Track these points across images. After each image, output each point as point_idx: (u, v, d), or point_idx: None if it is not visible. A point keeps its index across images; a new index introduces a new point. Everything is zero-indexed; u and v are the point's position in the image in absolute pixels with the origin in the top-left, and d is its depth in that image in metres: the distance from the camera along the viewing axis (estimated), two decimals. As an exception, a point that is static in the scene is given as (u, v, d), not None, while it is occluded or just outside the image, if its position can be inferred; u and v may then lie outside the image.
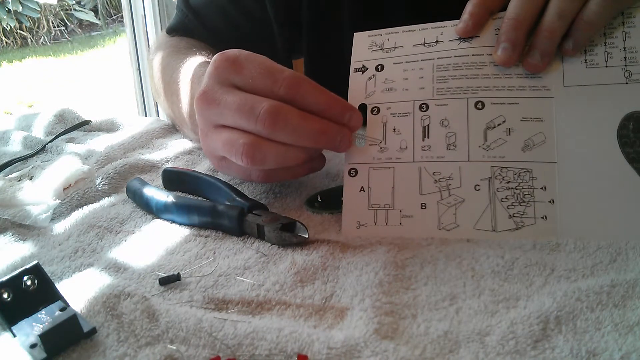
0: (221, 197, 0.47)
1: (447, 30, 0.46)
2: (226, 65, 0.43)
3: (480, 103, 0.43)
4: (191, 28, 0.70)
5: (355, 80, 0.46)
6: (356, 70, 0.46)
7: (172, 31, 0.73)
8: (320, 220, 0.45)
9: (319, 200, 0.47)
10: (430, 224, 0.41)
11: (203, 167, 0.56)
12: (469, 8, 0.45)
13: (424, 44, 0.46)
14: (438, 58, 0.45)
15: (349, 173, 0.44)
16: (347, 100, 0.46)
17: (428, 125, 0.43)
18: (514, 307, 0.33)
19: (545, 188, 0.40)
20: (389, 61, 0.46)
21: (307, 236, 0.41)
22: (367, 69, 0.46)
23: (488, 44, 0.44)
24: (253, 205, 0.44)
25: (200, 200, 0.48)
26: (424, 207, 0.42)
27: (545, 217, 0.40)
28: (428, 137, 0.43)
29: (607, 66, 0.41)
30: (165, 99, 0.66)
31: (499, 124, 0.42)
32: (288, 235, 0.41)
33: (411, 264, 0.38)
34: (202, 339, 0.32)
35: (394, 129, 0.44)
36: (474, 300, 0.34)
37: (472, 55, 0.44)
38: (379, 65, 0.46)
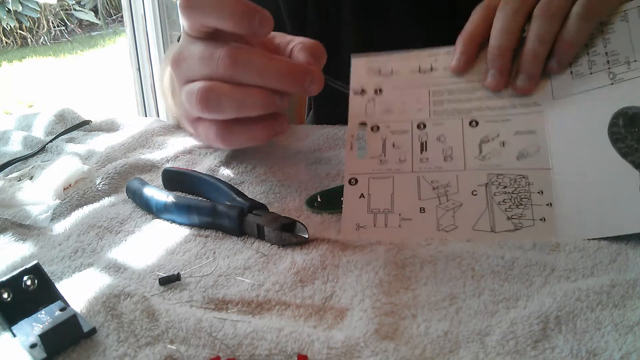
0: (221, 197, 0.47)
1: (440, 57, 0.49)
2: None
3: (474, 122, 0.45)
4: None
5: (355, 103, 0.48)
6: (355, 92, 0.49)
7: None
8: (320, 220, 0.45)
9: (319, 200, 0.47)
10: (429, 226, 0.42)
11: (203, 167, 0.56)
12: (459, 46, 0.47)
13: (420, 71, 0.48)
14: (433, 85, 0.48)
15: (349, 182, 0.45)
16: (348, 121, 0.48)
17: (425, 141, 0.45)
18: (513, 307, 0.33)
19: (542, 192, 0.41)
20: (388, 85, 0.48)
21: (307, 236, 0.41)
22: (366, 92, 0.49)
23: (479, 70, 0.47)
24: (253, 205, 0.44)
25: (200, 200, 0.48)
26: (422, 211, 0.42)
27: (544, 219, 0.40)
28: (426, 151, 0.45)
29: (591, 73, 0.43)
30: (172, 100, 0.66)
31: (493, 138, 0.44)
32: (288, 235, 0.41)
33: (411, 264, 0.38)
34: (202, 339, 0.32)
35: (393, 144, 0.46)
36: (474, 300, 0.34)
37: (465, 82, 0.47)
38: (377, 89, 0.49)
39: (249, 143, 0.46)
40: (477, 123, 0.45)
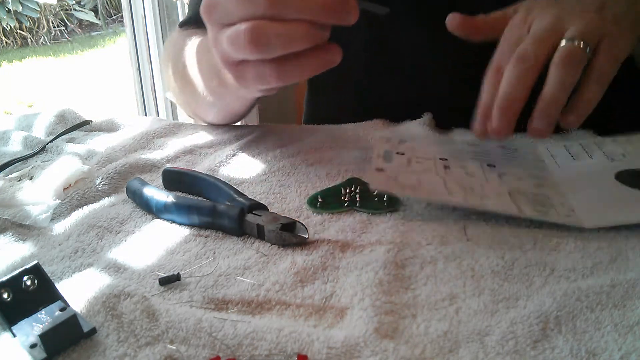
0: (221, 197, 0.47)
1: (456, 135, 0.55)
2: None
3: (492, 165, 0.49)
4: None
5: (380, 143, 0.52)
6: (380, 140, 0.54)
7: (185, 24, 0.72)
8: (320, 220, 0.45)
9: (320, 200, 0.47)
10: (458, 199, 0.43)
11: (203, 167, 0.56)
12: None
13: (437, 143, 0.54)
14: (452, 147, 0.53)
15: (376, 169, 0.47)
16: (373, 149, 0.51)
17: (449, 165, 0.49)
18: (513, 307, 0.33)
19: (563, 204, 0.43)
20: (410, 141, 0.54)
21: (307, 236, 0.41)
22: (391, 140, 0.53)
23: (495, 145, 0.53)
24: (253, 205, 0.44)
25: (200, 200, 0.48)
26: (451, 194, 0.44)
27: (569, 215, 0.41)
28: (449, 169, 0.48)
29: (591, 158, 0.49)
30: (180, 89, 0.65)
31: (511, 174, 0.48)
32: (288, 235, 0.41)
33: (411, 264, 0.38)
34: (202, 339, 0.32)
35: (418, 162, 0.49)
36: (474, 300, 0.34)
37: (482, 147, 0.53)
38: (402, 139, 0.54)
39: (304, 76, 0.46)
40: (494, 165, 0.49)
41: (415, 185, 0.44)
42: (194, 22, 0.71)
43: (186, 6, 2.13)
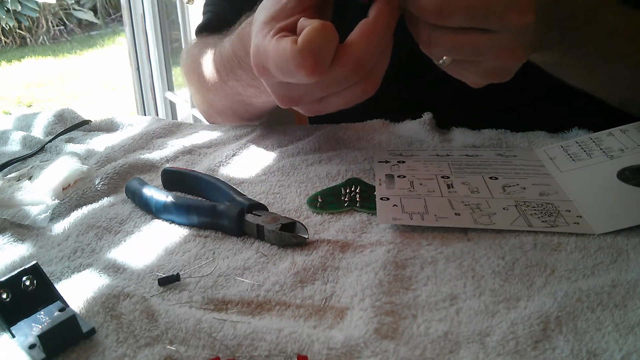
0: (221, 197, 0.47)
1: (454, 151, 0.54)
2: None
3: (494, 177, 0.49)
4: (227, 18, 0.66)
5: (379, 168, 0.52)
6: (380, 162, 0.53)
7: (201, 30, 0.71)
8: (320, 220, 0.45)
9: (320, 200, 0.47)
10: (466, 221, 0.42)
11: (203, 167, 0.56)
12: None
13: (437, 155, 0.54)
14: (452, 160, 0.53)
15: (381, 199, 0.46)
16: (375, 175, 0.51)
17: (451, 183, 0.48)
18: (514, 308, 0.33)
19: (569, 211, 0.43)
20: (410, 159, 0.54)
21: (307, 236, 0.41)
22: (390, 161, 0.53)
23: (493, 154, 0.53)
24: (253, 205, 0.44)
25: (200, 200, 0.48)
26: (458, 215, 0.43)
27: (578, 223, 0.41)
28: (452, 188, 0.47)
29: (591, 157, 0.49)
30: (215, 86, 0.64)
31: (514, 185, 0.47)
32: (288, 235, 0.41)
33: (411, 264, 0.38)
34: (202, 339, 0.32)
35: (421, 184, 0.48)
36: (474, 301, 0.34)
37: (483, 157, 0.53)
38: (400, 160, 0.53)
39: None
40: (497, 177, 0.49)
41: (422, 212, 0.44)
42: (209, 28, 0.70)
43: (185, 6, 2.13)
